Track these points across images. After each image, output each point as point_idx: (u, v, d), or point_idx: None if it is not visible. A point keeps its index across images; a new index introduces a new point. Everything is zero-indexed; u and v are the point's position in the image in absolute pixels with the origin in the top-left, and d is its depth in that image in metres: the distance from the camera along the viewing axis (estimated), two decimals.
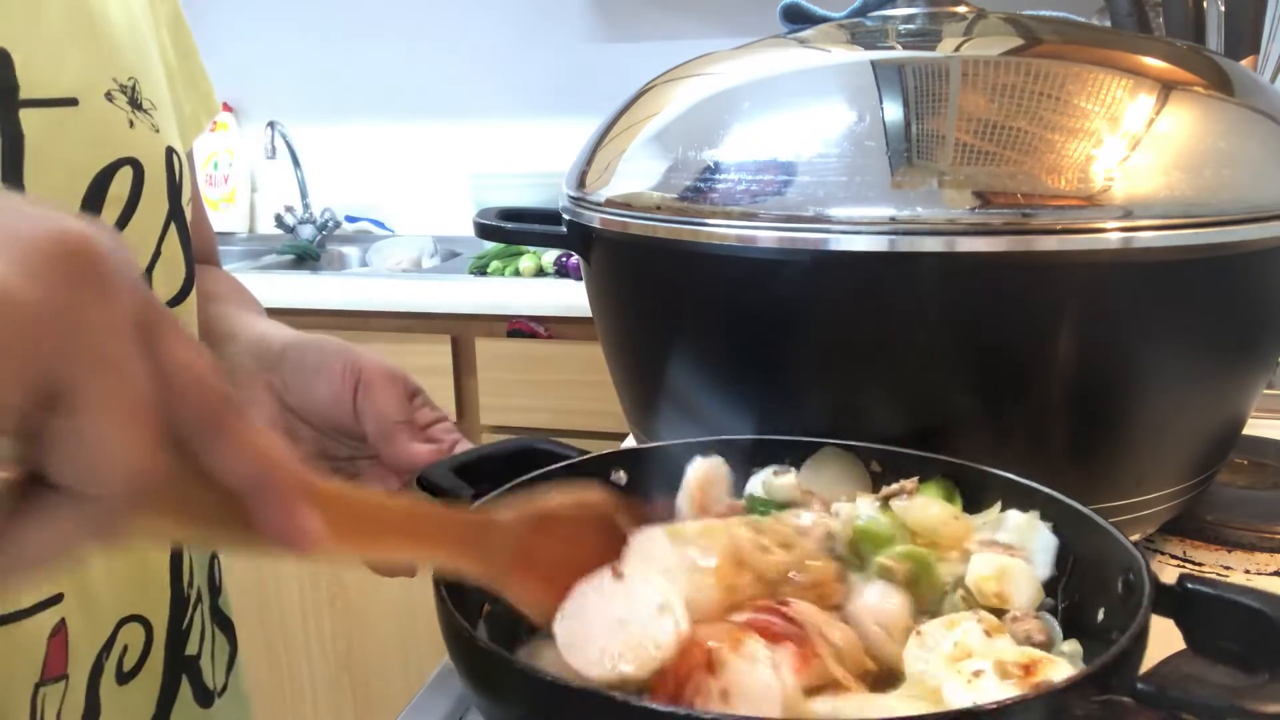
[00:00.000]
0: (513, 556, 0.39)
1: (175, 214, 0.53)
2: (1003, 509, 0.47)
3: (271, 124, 2.27)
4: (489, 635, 0.41)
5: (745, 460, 0.52)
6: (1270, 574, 0.62)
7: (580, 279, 1.06)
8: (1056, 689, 0.32)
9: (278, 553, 0.29)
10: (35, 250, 0.23)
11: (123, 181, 0.48)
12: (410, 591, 1.70)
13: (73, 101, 0.46)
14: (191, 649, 0.57)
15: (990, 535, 0.46)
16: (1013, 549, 0.44)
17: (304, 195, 2.34)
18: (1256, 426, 0.80)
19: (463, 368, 1.74)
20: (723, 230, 0.54)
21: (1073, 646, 0.41)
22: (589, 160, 0.66)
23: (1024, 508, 0.46)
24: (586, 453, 0.52)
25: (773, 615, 0.38)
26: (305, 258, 2.21)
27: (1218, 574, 0.63)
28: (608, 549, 0.41)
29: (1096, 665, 0.33)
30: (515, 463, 0.50)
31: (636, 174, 0.61)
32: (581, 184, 0.65)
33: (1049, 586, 0.45)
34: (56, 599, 0.48)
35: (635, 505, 0.44)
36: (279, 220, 2.30)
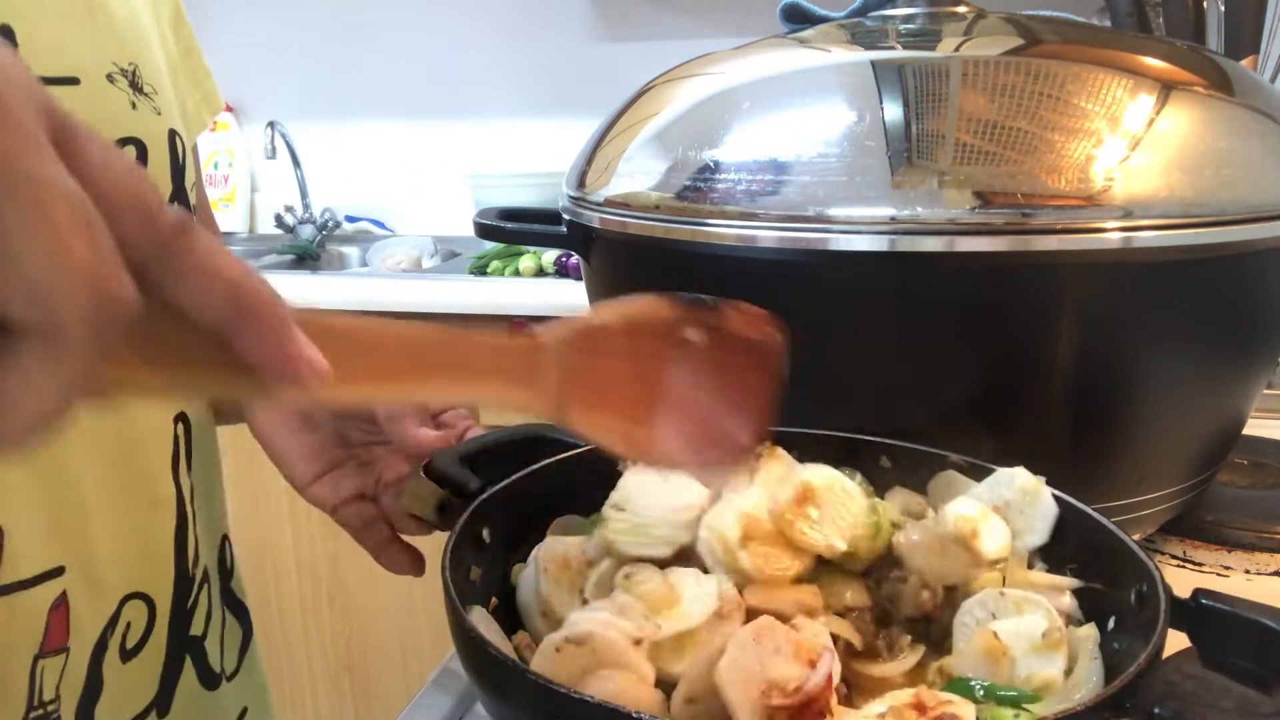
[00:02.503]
0: (567, 380, 0.33)
1: (179, 195, 0.53)
2: None
3: (271, 124, 2.26)
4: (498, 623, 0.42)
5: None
6: (1270, 574, 0.62)
7: (580, 279, 1.06)
8: (1072, 712, 0.32)
9: (278, 395, 0.25)
10: None
11: None
12: (411, 590, 1.70)
13: (74, 80, 0.46)
14: (196, 629, 0.58)
15: (992, 490, 0.47)
16: (996, 508, 0.46)
17: (304, 195, 2.34)
18: (1256, 426, 0.80)
19: None
20: (723, 230, 0.54)
21: (1089, 630, 0.41)
22: (589, 160, 0.66)
23: None
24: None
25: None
26: (305, 258, 2.21)
27: (1218, 574, 0.63)
28: (670, 359, 0.36)
29: (1114, 688, 0.33)
30: (522, 451, 0.51)
31: (636, 174, 0.61)
32: (581, 184, 0.65)
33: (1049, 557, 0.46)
34: (58, 571, 0.48)
35: (697, 311, 0.38)
36: (279, 220, 2.30)
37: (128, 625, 0.52)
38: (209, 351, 0.25)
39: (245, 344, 0.25)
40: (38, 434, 0.22)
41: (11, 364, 0.22)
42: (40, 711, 0.47)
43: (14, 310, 0.21)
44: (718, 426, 0.36)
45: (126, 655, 0.52)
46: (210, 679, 0.59)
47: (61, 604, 0.48)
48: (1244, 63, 0.93)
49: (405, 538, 0.57)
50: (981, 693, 0.38)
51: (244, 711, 0.63)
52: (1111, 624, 0.42)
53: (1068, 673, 0.39)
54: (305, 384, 0.25)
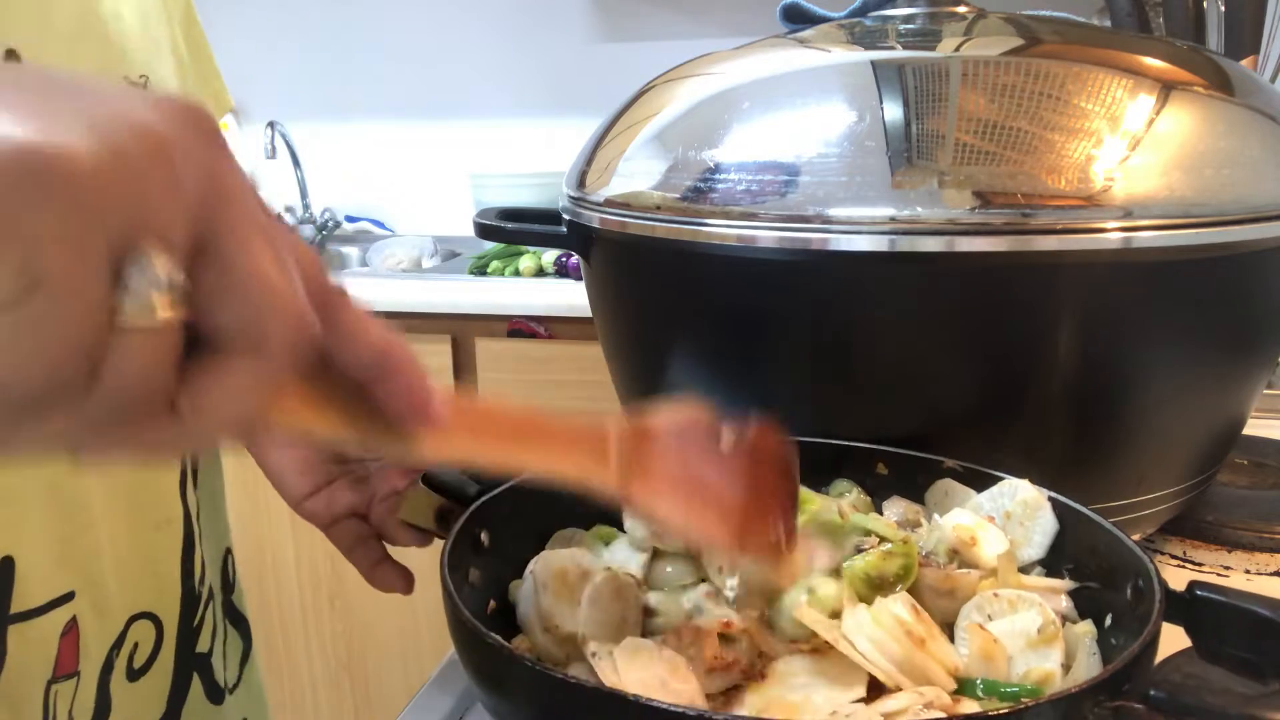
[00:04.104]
0: (628, 466, 0.37)
1: None
2: None
3: (271, 124, 2.26)
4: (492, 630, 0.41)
5: None
6: (1270, 574, 0.62)
7: (580, 279, 1.06)
8: (1069, 694, 0.32)
9: (404, 445, 0.29)
10: (154, 107, 0.24)
11: None
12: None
13: None
14: (203, 646, 0.58)
15: (994, 501, 0.48)
16: (992, 519, 0.46)
17: (304, 195, 2.34)
18: (1256, 426, 0.80)
19: (463, 368, 1.74)
20: (723, 230, 0.54)
21: (1086, 627, 0.41)
22: (589, 160, 0.66)
23: None
24: None
25: None
26: None
27: (1218, 574, 0.63)
28: (710, 459, 0.39)
29: (1110, 671, 0.33)
30: None
31: (636, 174, 0.61)
32: (581, 184, 0.65)
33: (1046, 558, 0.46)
34: (68, 597, 0.48)
35: (727, 418, 0.41)
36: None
37: (135, 645, 0.52)
38: (351, 400, 0.29)
39: (387, 393, 0.29)
40: (219, 441, 0.26)
41: (212, 369, 0.24)
42: None
43: (230, 322, 0.24)
44: (754, 519, 0.39)
45: (134, 675, 0.52)
46: (216, 694, 0.59)
47: (72, 629, 0.48)
48: (1244, 63, 0.93)
49: (396, 556, 0.57)
50: (982, 690, 0.38)
51: None
52: (1109, 621, 0.42)
53: (1067, 669, 0.39)
54: (436, 424, 0.30)
